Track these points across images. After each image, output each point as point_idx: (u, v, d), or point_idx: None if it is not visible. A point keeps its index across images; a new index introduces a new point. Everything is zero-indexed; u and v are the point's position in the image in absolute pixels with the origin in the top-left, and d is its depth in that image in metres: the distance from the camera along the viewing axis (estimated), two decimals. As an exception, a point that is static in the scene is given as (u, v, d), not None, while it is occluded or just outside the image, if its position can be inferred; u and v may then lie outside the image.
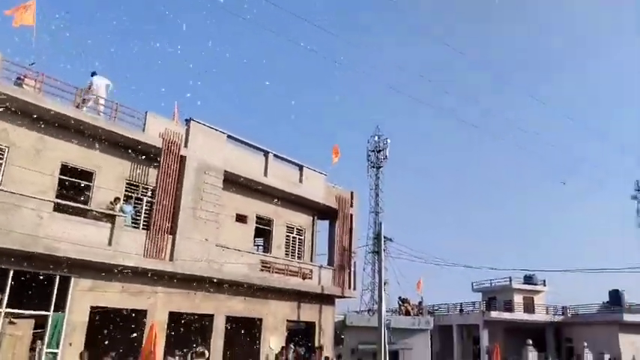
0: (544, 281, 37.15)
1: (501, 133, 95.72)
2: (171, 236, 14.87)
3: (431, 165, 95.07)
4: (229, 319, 16.72)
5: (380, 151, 42.17)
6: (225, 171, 16.58)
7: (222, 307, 16.40)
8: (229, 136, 17.21)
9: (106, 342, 13.32)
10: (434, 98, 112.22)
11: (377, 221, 37.38)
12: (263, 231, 19.38)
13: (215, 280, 15.65)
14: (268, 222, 19.16)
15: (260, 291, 17.25)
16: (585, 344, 30.00)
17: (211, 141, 16.49)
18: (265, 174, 18.17)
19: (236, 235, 17.48)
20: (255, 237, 19.29)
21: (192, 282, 15.38)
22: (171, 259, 14.70)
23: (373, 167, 42.27)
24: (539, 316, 34.58)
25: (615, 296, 33.73)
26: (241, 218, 18.10)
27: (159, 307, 14.74)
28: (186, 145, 15.69)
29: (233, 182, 17.22)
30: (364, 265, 37.55)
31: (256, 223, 18.72)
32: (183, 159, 15.50)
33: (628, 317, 31.21)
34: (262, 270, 17.47)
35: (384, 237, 23.53)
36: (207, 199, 15.87)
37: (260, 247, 20.15)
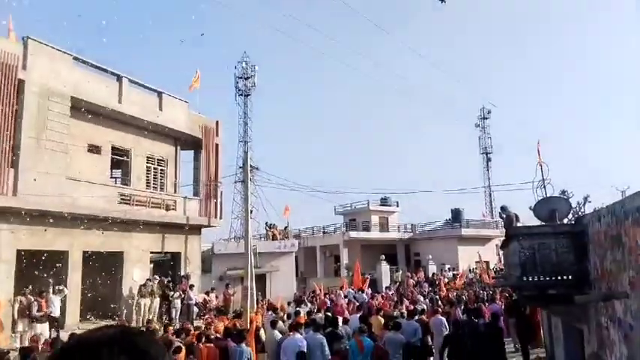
0: (397, 202, 40.73)
1: (366, 69, 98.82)
2: (12, 169, 13.53)
3: (300, 97, 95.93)
4: (87, 254, 16.01)
5: (248, 78, 41.46)
6: (73, 97, 15.20)
7: (78, 243, 15.61)
8: (76, 58, 15.66)
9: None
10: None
11: (245, 150, 37.46)
12: (120, 162, 18.41)
13: (68, 215, 14.73)
14: (126, 152, 18.17)
15: (120, 224, 16.62)
16: (430, 257, 33.91)
17: (55, 63, 14.89)
18: (120, 101, 16.99)
19: (90, 167, 16.41)
20: (112, 168, 18.31)
21: (42, 217, 14.30)
22: (14, 193, 13.48)
23: (241, 95, 41.64)
24: (392, 234, 38.08)
25: (456, 214, 38.09)
26: (94, 149, 16.93)
27: (4, 245, 13.62)
28: (24, 68, 14.01)
29: (83, 110, 15.88)
30: (234, 194, 37.80)
31: (112, 153, 17.66)
32: (21, 83, 13.87)
33: (465, 232, 35.69)
34: (121, 203, 16.78)
35: (251, 166, 23.79)
36: (53, 129, 14.54)
37: (118, 179, 19.19)
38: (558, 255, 6.57)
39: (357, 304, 16.38)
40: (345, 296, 20.11)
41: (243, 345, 9.01)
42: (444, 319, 11.86)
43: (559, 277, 6.61)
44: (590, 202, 9.64)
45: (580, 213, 8.72)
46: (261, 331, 11.81)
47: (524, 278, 6.69)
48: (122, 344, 0.90)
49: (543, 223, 8.30)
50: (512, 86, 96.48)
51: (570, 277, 6.57)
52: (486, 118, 50.22)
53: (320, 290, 22.89)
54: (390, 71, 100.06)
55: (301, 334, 9.03)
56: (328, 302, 18.78)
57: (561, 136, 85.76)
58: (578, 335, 7.66)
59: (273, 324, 10.94)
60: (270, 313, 14.82)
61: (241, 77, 41.40)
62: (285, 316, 13.58)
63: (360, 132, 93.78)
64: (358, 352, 8.37)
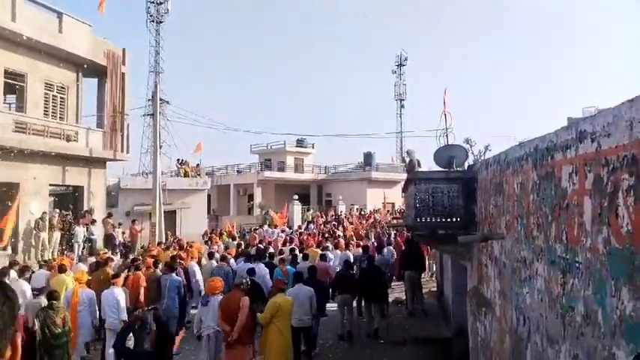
0: (313, 145, 41.22)
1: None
2: None
3: (219, 30, 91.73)
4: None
5: (160, 3, 38.73)
6: (-44, 11, 13.52)
7: (-34, 172, 14.41)
8: (-42, -34, 13.82)
9: None
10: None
11: (156, 82, 35.57)
12: (15, 87, 16.88)
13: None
14: (21, 77, 16.64)
15: (15, 154, 15.47)
16: (340, 197, 35.05)
17: None
18: (13, 19, 15.36)
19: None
20: (5, 94, 16.78)
21: None
22: None
23: (153, 22, 38.95)
24: (306, 175, 38.77)
25: (368, 157, 39.31)
26: (-16, 71, 15.36)
27: None
28: None
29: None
30: (144, 127, 36.19)
31: (5, 77, 16.11)
32: None
33: (375, 175, 37.13)
34: (16, 131, 15.57)
35: (161, 99, 22.81)
36: None
37: (12, 106, 17.66)
38: (450, 199, 7.10)
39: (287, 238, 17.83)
40: (283, 231, 21.36)
41: (174, 274, 9.48)
42: (350, 253, 13.56)
43: (449, 219, 7.19)
44: (490, 150, 10.39)
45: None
46: (203, 261, 12.92)
47: (418, 219, 7.20)
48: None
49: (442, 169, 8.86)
50: (430, 37, 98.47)
51: (459, 219, 7.16)
52: (403, 65, 51.18)
53: (232, 227, 23.14)
54: (313, 14, 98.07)
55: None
56: (257, 237, 19.30)
57: (471, 88, 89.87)
58: (464, 271, 8.46)
59: (210, 255, 12.49)
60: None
61: (153, 2, 38.61)
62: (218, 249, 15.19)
63: (278, 74, 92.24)
64: (284, 278, 9.65)
